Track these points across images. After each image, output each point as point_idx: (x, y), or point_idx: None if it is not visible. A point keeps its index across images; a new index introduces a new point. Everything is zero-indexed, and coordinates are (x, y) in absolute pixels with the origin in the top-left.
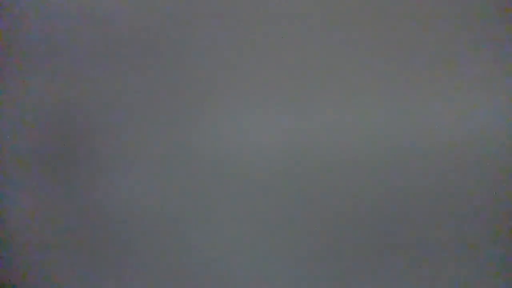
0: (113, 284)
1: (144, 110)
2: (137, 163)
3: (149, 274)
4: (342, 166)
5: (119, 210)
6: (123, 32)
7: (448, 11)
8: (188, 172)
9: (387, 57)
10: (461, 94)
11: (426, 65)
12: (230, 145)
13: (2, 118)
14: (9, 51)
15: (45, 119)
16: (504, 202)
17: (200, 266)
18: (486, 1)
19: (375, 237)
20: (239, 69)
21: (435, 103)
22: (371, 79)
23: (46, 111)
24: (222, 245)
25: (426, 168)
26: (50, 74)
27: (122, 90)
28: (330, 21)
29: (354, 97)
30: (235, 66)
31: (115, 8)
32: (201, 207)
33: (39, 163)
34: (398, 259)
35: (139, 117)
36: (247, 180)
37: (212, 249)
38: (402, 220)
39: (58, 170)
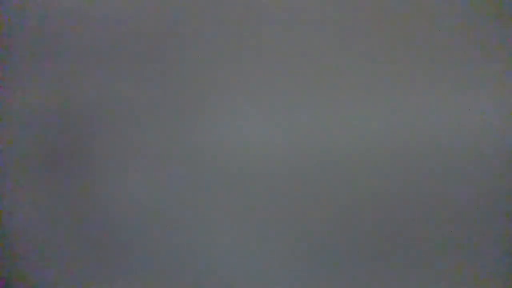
0: (114, 283)
1: (144, 110)
2: (137, 163)
3: (150, 274)
4: (342, 166)
5: (119, 209)
6: (123, 32)
7: (448, 11)
8: (188, 171)
9: (386, 57)
10: (461, 94)
11: (425, 65)
12: (230, 144)
13: (2, 118)
14: (9, 51)
15: (45, 120)
16: (504, 202)
17: (200, 265)
18: (486, 1)
19: (374, 236)
20: (239, 69)
21: (434, 103)
22: (371, 79)
23: (46, 111)
24: (222, 244)
25: (425, 168)
26: (50, 75)
27: (122, 90)
28: (329, 21)
29: (354, 97)
30: (235, 66)
31: (115, 8)
32: (201, 206)
33: (39, 163)
34: (398, 259)
35: (139, 117)
36: (247, 179)
37: (212, 248)
38: (402, 220)
39: (58, 170)
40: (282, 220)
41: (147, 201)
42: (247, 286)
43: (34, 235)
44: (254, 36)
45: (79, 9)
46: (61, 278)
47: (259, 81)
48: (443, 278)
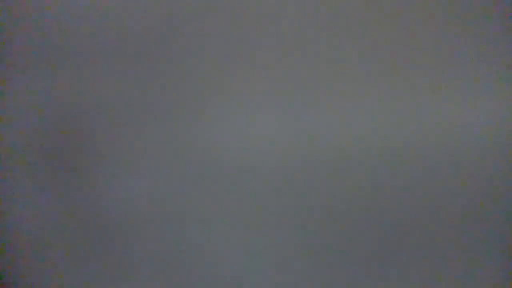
0: (114, 283)
1: (144, 110)
2: (137, 163)
3: (149, 274)
4: (343, 166)
5: (119, 210)
6: (124, 32)
7: (448, 11)
8: (188, 171)
9: (385, 57)
10: (461, 94)
11: (425, 64)
12: (229, 144)
13: (2, 118)
14: (9, 51)
15: (45, 119)
16: (504, 202)
17: (201, 265)
18: (486, 1)
19: (375, 236)
20: (238, 69)
21: (434, 103)
22: (370, 79)
23: (46, 111)
24: (223, 245)
25: (425, 168)
26: (50, 74)
27: (122, 90)
28: (328, 21)
29: (353, 97)
30: (235, 66)
31: (115, 8)
32: (201, 206)
33: (39, 163)
34: (398, 258)
35: (139, 117)
36: (248, 179)
37: (212, 248)
38: (401, 220)
39: (58, 170)
40: (284, 220)
41: (147, 201)
42: (248, 285)
43: (34, 235)
44: (255, 35)
45: (79, 9)
46: (61, 278)
47: (259, 81)
48: (443, 278)
